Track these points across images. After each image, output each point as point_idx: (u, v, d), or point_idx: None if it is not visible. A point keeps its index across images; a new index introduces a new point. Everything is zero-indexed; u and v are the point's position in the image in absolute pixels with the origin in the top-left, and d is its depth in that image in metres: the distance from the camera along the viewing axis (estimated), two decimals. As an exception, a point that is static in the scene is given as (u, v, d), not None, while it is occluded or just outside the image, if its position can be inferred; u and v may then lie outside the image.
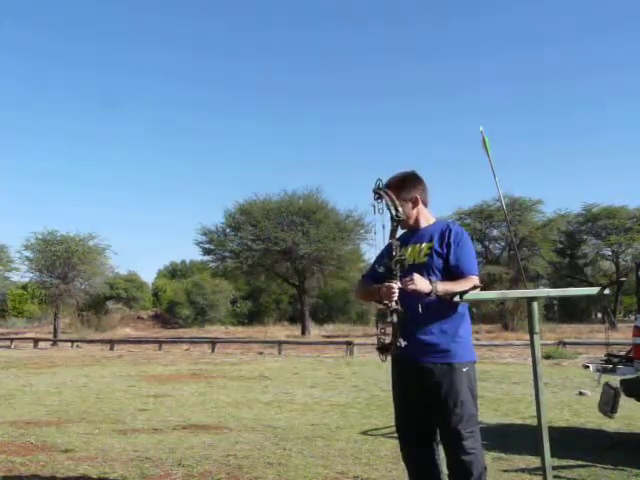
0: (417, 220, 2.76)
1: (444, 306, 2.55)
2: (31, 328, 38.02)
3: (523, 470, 4.06)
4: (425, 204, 2.80)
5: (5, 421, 6.08)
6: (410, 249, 2.71)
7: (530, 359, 2.48)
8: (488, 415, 6.27)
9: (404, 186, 2.74)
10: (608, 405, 4.45)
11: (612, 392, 4.45)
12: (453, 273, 2.59)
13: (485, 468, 2.53)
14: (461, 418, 2.49)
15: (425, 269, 2.59)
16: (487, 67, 79.98)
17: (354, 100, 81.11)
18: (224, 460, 4.35)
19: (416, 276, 2.47)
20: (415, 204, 2.75)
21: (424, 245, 2.68)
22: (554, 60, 78.47)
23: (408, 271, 2.54)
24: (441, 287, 2.49)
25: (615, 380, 4.78)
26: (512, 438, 5.10)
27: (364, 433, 5.48)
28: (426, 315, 2.54)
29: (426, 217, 2.79)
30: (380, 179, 2.57)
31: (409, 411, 2.68)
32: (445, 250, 2.63)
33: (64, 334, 28.89)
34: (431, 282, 2.48)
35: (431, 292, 2.47)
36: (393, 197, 2.53)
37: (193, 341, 23.61)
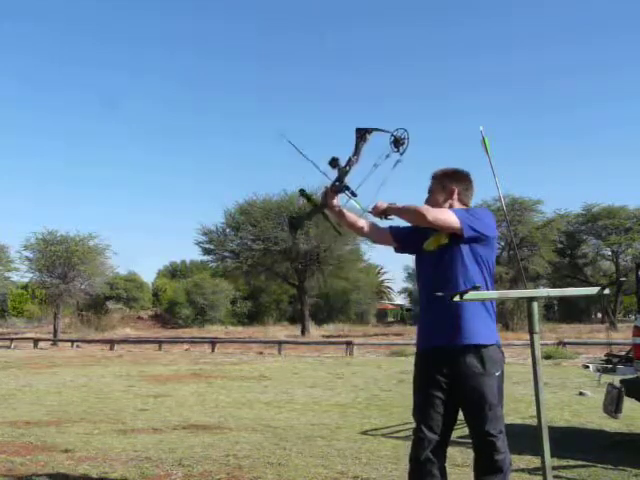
0: None
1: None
2: (31, 328, 37.98)
3: (523, 470, 4.06)
4: (463, 203, 2.74)
5: (5, 421, 6.08)
6: (435, 235, 2.64)
7: (530, 359, 2.47)
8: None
9: (451, 175, 2.77)
10: (612, 405, 4.44)
11: (616, 392, 4.44)
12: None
13: (510, 463, 2.60)
14: (491, 420, 2.51)
15: (450, 248, 2.57)
16: (487, 67, 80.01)
17: (354, 100, 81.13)
18: (224, 460, 4.35)
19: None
20: (448, 196, 2.71)
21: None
22: (554, 60, 78.50)
23: (428, 259, 2.65)
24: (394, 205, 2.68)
25: (615, 380, 4.77)
26: (512, 438, 5.07)
27: (364, 433, 5.48)
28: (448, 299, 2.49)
29: None
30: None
31: (431, 404, 2.58)
32: None
33: (64, 334, 28.92)
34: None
35: (387, 210, 2.69)
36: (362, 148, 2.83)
37: (193, 341, 23.61)
